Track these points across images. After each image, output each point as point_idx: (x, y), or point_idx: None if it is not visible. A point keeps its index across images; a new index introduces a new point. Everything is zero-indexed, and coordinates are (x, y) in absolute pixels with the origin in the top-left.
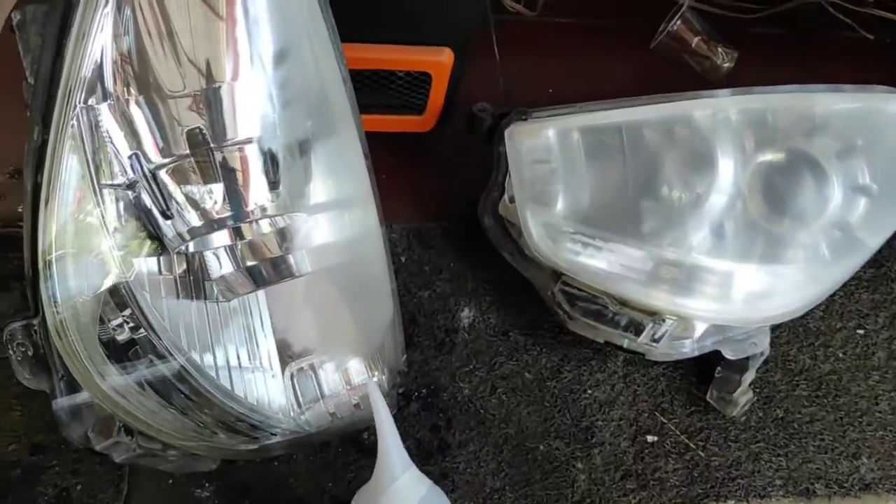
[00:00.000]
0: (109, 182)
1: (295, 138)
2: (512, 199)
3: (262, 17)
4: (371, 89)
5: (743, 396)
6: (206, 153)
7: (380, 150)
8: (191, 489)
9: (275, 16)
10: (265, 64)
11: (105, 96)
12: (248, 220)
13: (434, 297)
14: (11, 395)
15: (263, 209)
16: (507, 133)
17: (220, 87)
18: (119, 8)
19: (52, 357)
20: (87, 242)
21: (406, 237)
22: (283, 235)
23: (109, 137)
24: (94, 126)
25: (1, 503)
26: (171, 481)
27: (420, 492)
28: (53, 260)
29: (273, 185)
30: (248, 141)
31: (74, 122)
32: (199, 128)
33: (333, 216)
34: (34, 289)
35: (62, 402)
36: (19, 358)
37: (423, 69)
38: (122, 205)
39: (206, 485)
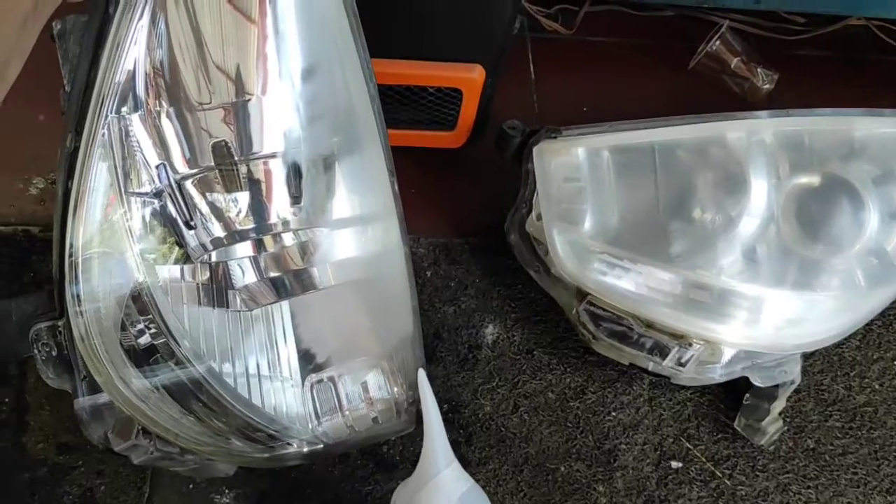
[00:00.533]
0: (137, 190)
1: (319, 153)
2: (539, 217)
3: (292, 34)
4: (402, 104)
5: (772, 425)
6: (230, 166)
7: (410, 164)
8: (210, 495)
9: (304, 32)
10: (293, 79)
11: (137, 106)
12: (270, 232)
13: (459, 313)
14: (42, 395)
15: (286, 222)
16: (535, 150)
17: (248, 101)
18: (154, 22)
19: (74, 358)
20: (111, 248)
21: (433, 252)
22: (305, 248)
23: (139, 147)
24: (125, 135)
25: (27, 501)
26: (191, 486)
27: (461, 488)
28: (79, 263)
29: (295, 199)
30: (273, 155)
31: (105, 130)
32: (224, 140)
33: (356, 231)
34: (60, 291)
35: (83, 402)
36: (44, 357)
37: (454, 85)
38: (148, 213)
39: (226, 491)
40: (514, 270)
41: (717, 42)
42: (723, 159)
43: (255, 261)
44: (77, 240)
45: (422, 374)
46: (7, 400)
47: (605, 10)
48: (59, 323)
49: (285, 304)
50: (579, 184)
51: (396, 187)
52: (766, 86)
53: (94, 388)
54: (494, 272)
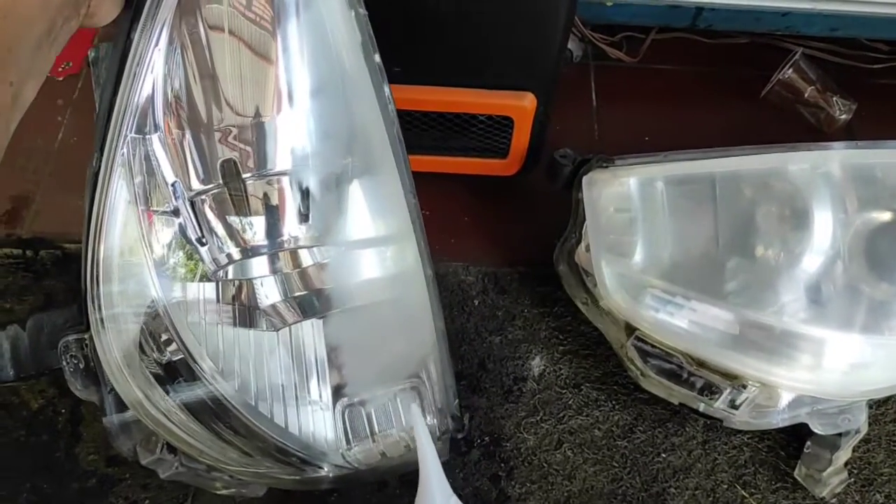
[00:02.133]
0: (157, 209)
1: (330, 172)
2: (588, 248)
3: (299, 58)
4: (454, 132)
5: (835, 476)
6: (238, 184)
7: (464, 191)
8: None
9: (312, 54)
10: (302, 100)
11: (155, 127)
12: (281, 249)
13: (505, 344)
14: (96, 408)
15: (296, 239)
16: (585, 180)
17: (257, 122)
18: (170, 47)
19: (101, 371)
20: (130, 265)
21: (481, 280)
22: (324, 267)
23: (158, 166)
24: (145, 155)
25: None
26: None
27: None
28: (100, 280)
29: (304, 216)
30: (283, 173)
31: (125, 150)
32: (232, 160)
33: (374, 252)
34: (85, 305)
35: (112, 416)
36: (71, 369)
37: (505, 113)
38: (168, 231)
39: None
40: (564, 302)
41: (791, 70)
42: (786, 192)
43: (278, 280)
44: (98, 256)
45: (415, 408)
46: (63, 411)
47: (672, 38)
48: (86, 336)
49: (316, 324)
50: (630, 214)
51: (418, 209)
52: (843, 116)
53: (121, 402)
54: (543, 303)
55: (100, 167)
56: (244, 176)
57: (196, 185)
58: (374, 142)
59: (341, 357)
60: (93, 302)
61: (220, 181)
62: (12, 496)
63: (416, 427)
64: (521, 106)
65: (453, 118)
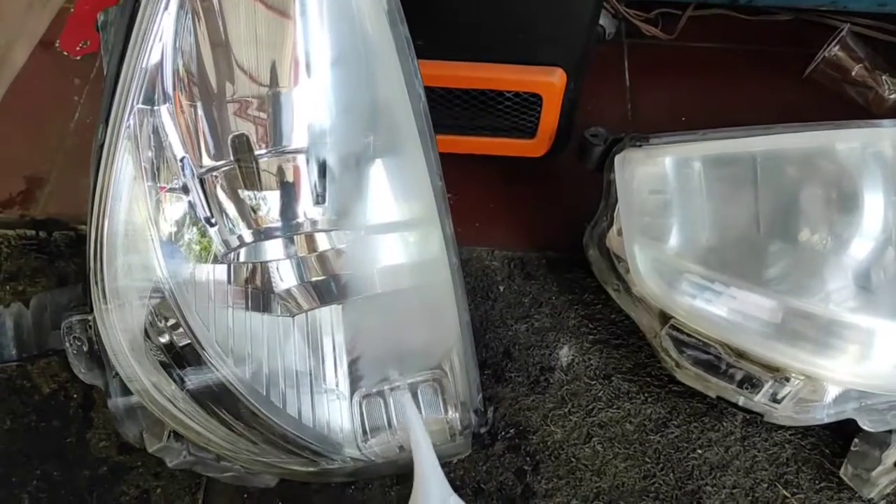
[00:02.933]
0: (165, 185)
1: (349, 151)
2: (620, 232)
3: (318, 23)
4: (480, 110)
5: (884, 476)
6: (251, 161)
7: (490, 173)
8: None
9: (333, 23)
10: (320, 72)
11: (164, 99)
12: (297, 232)
13: (531, 332)
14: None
15: (313, 222)
16: (617, 159)
17: (273, 93)
18: (180, 11)
19: (105, 354)
20: (135, 244)
21: (507, 266)
22: (342, 253)
23: (167, 139)
24: (152, 128)
25: (86, 498)
26: (245, 496)
27: None
28: (104, 258)
29: (321, 198)
30: (298, 151)
31: (131, 121)
32: (244, 134)
33: (396, 238)
34: (89, 285)
35: (116, 400)
36: (75, 351)
37: (533, 90)
38: (177, 209)
39: None
40: (594, 289)
41: (837, 47)
42: (833, 173)
43: (295, 263)
44: (102, 233)
45: (408, 401)
46: (76, 396)
47: (710, 15)
48: (90, 317)
49: (335, 310)
50: (665, 196)
51: (444, 192)
52: (893, 95)
53: (126, 386)
54: (572, 290)
55: (105, 140)
56: (257, 153)
57: (206, 161)
58: (399, 119)
59: (360, 345)
60: (96, 282)
61: (232, 158)
62: (22, 483)
63: (410, 422)
64: (550, 82)
65: (478, 95)
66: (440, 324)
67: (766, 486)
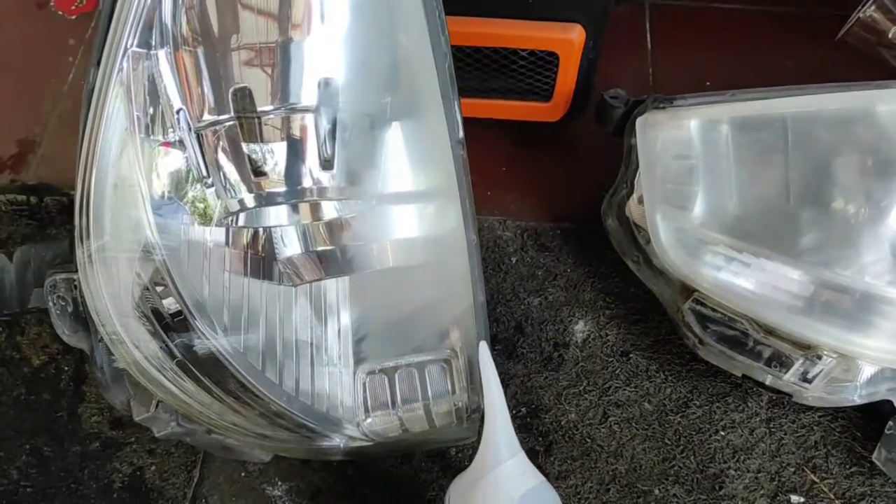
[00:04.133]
0: (160, 139)
1: (364, 112)
2: (641, 200)
3: None
4: (492, 70)
5: None
6: (253, 117)
7: (502, 139)
8: (262, 485)
9: None
10: (336, 19)
11: (162, 42)
12: (302, 199)
13: (545, 306)
14: None
15: (321, 189)
16: (639, 122)
17: (281, 42)
18: None
19: (90, 317)
20: (124, 201)
21: (520, 236)
22: (351, 223)
23: (164, 88)
24: (148, 75)
25: (77, 475)
26: (243, 474)
27: (526, 484)
28: (91, 214)
29: (330, 162)
30: (307, 109)
31: (124, 65)
32: (247, 88)
33: (411, 210)
34: (73, 241)
35: (103, 364)
36: (58, 312)
37: (549, 48)
38: (171, 165)
39: (279, 483)
40: (612, 261)
41: (873, 7)
42: (871, 137)
43: (300, 229)
44: (89, 186)
45: (483, 347)
46: (67, 368)
47: None
48: (76, 276)
49: (342, 282)
50: (690, 161)
51: (466, 164)
52: None
53: (111, 351)
54: (588, 262)
55: (95, 84)
56: (261, 109)
57: (205, 115)
58: (421, 78)
59: (367, 320)
60: (81, 238)
61: (233, 113)
62: (10, 458)
63: (483, 369)
64: (567, 40)
65: (491, 54)
66: (453, 303)
67: (792, 470)
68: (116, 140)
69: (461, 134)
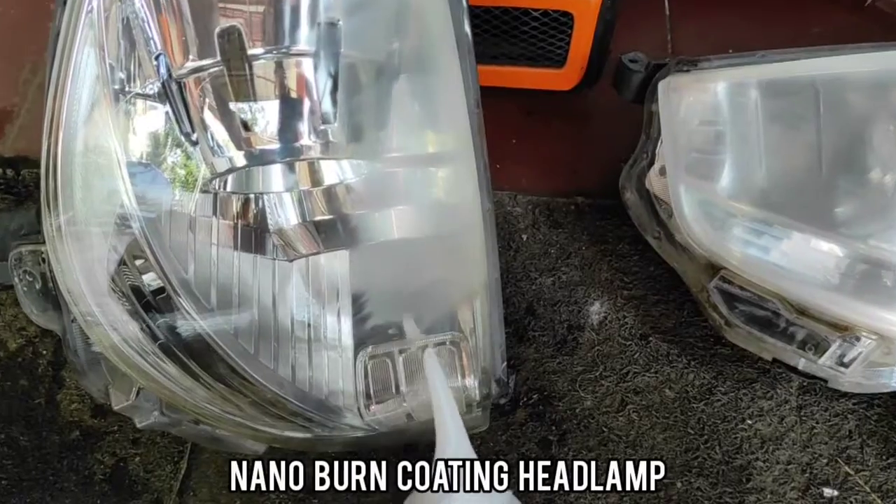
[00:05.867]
0: (134, 89)
1: (369, 60)
2: (663, 171)
3: None
4: (502, 33)
5: None
6: (243, 62)
7: (512, 108)
8: None
9: None
10: None
11: None
12: (299, 157)
13: (558, 286)
14: None
15: (318, 146)
16: (661, 86)
17: None
18: None
19: (62, 295)
20: (97, 163)
21: (531, 212)
22: (353, 188)
23: (140, 29)
24: (122, 16)
25: (56, 466)
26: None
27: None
28: (59, 179)
29: (330, 115)
30: (303, 53)
31: (94, 3)
32: (236, 28)
33: (420, 174)
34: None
35: (77, 348)
36: (25, 288)
37: (564, 7)
38: (150, 120)
39: None
40: (631, 237)
41: None
42: None
43: (296, 197)
44: (56, 148)
45: (429, 353)
46: (45, 353)
47: None
48: (43, 249)
49: (342, 255)
50: (717, 128)
51: (481, 122)
52: None
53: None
54: (605, 239)
55: (61, 26)
56: (251, 52)
57: (188, 60)
58: (432, 24)
59: (369, 298)
60: (48, 207)
61: (219, 58)
62: None
63: (429, 373)
64: None
65: (501, 14)
66: (465, 279)
67: (825, 461)
68: (86, 93)
69: (477, 91)
